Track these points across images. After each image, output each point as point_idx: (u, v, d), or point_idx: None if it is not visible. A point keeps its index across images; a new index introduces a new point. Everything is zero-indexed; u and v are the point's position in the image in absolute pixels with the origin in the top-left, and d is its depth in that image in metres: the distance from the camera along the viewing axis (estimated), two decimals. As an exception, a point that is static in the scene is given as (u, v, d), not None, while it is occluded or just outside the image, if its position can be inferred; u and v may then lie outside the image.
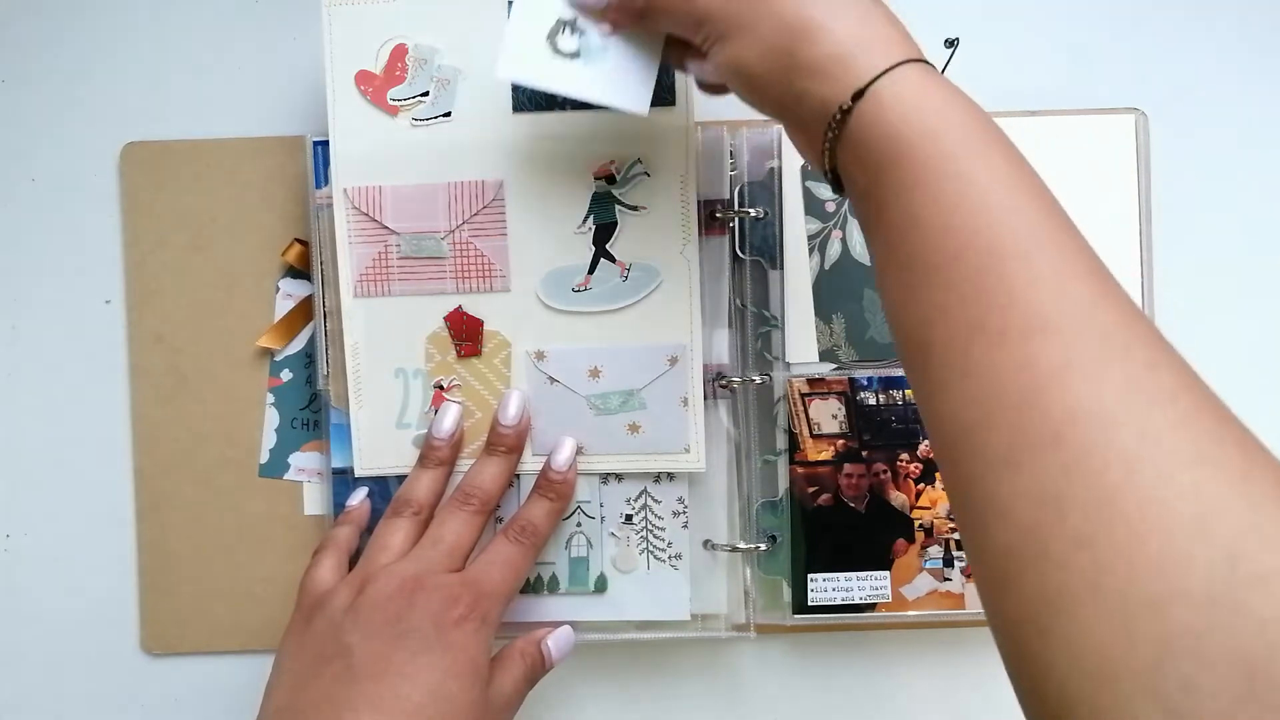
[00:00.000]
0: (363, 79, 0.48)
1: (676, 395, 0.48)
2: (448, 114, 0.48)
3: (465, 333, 0.49)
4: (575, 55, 0.41)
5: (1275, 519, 0.26)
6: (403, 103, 0.48)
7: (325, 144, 0.49)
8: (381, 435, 0.49)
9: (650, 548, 0.50)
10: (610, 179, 0.48)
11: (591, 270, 0.48)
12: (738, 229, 0.50)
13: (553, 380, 0.48)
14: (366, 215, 0.48)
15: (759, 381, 0.50)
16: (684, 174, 0.47)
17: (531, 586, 0.50)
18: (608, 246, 0.48)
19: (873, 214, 0.35)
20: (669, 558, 0.50)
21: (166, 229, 0.52)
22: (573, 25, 0.41)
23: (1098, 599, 0.27)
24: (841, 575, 0.50)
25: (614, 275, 0.48)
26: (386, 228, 0.48)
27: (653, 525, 0.50)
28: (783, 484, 0.50)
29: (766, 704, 0.53)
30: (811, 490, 0.50)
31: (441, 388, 0.49)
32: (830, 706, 0.53)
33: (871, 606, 0.50)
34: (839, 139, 0.35)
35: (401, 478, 0.49)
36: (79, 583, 0.53)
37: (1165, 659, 0.26)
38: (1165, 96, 0.53)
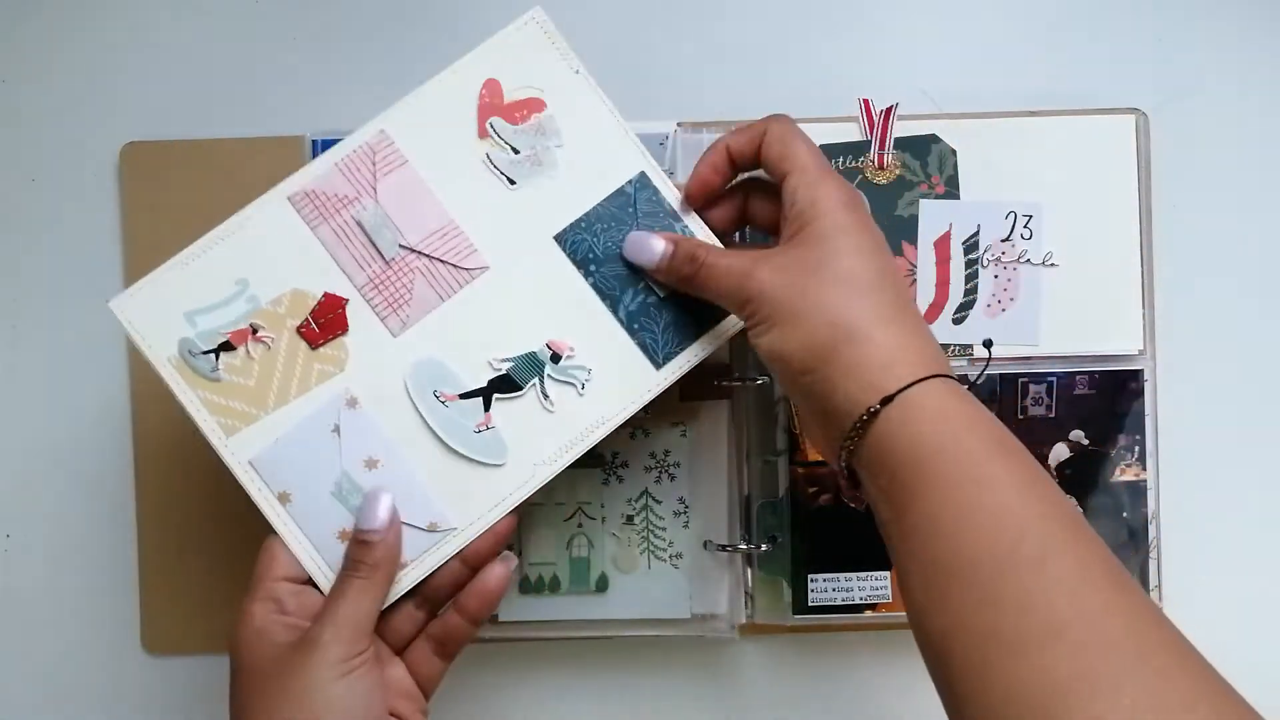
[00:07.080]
0: (490, 88, 0.45)
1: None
2: (512, 181, 0.45)
3: (325, 322, 0.43)
4: None
5: None
6: (497, 139, 0.45)
7: (325, 143, 0.48)
8: None
9: (651, 547, 0.50)
10: (555, 359, 0.44)
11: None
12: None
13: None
14: (371, 163, 0.45)
15: (759, 381, 0.50)
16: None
17: (533, 587, 0.50)
18: (495, 399, 0.43)
19: (894, 515, 0.36)
20: (669, 557, 0.50)
21: (166, 229, 0.52)
22: None
23: None
24: (841, 575, 0.50)
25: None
26: (374, 189, 0.45)
27: (653, 525, 0.50)
28: (783, 484, 0.50)
29: (766, 704, 0.53)
30: (811, 490, 0.50)
31: (255, 330, 0.43)
32: (830, 706, 0.53)
33: (872, 606, 0.50)
34: (863, 438, 0.36)
35: None
36: (79, 583, 0.53)
37: None
38: (1165, 96, 0.53)
